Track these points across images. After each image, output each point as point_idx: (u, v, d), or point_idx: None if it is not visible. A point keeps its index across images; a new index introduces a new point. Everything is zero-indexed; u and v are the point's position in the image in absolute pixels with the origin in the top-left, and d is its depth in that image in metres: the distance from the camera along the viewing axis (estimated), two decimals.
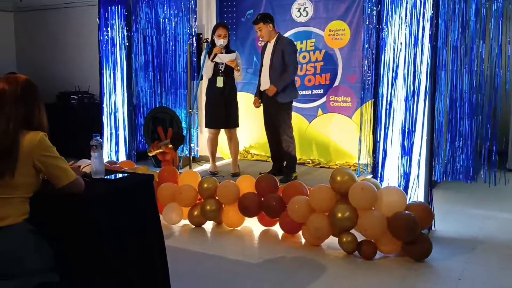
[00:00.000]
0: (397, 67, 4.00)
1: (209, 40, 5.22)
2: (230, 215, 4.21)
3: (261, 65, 5.08)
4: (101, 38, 5.82)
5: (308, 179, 4.68)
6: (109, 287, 2.21)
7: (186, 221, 4.37)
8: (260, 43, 5.72)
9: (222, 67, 5.07)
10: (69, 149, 3.23)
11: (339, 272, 3.42)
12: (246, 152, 6.22)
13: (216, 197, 4.23)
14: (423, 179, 3.96)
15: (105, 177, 2.49)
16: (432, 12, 3.80)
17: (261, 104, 5.16)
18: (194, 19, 6.03)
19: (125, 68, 5.88)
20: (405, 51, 3.95)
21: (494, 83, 4.19)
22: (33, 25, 8.42)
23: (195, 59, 5.99)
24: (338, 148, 5.70)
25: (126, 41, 5.83)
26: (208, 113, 5.27)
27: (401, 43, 3.96)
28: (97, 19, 5.83)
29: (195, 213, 4.27)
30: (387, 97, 4.07)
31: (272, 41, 4.94)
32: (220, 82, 5.06)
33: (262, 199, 4.10)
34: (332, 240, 3.77)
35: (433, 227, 4.00)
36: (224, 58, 5.02)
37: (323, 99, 5.78)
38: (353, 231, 3.68)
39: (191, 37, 6.02)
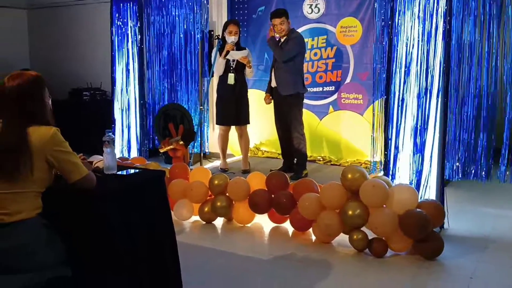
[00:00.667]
0: (409, 63, 3.97)
1: (220, 37, 5.23)
2: (241, 212, 4.22)
3: (274, 61, 5.07)
4: (113, 35, 5.85)
5: (319, 176, 4.67)
6: (120, 282, 2.23)
7: (197, 217, 4.38)
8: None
9: (233, 64, 5.07)
10: (82, 145, 3.25)
11: (349, 270, 3.41)
12: (256, 149, 6.22)
13: (227, 194, 4.24)
14: (435, 177, 3.93)
15: (117, 173, 2.51)
16: (446, 8, 3.76)
17: (272, 101, 5.15)
18: (205, 16, 6.04)
19: (137, 65, 5.91)
20: (418, 48, 3.91)
21: (509, 80, 4.15)
22: (46, 22, 8.49)
23: (206, 56, 6.00)
24: (349, 145, 5.67)
25: (138, 38, 5.86)
26: (219, 110, 5.28)
27: (413, 39, 3.93)
28: (109, 16, 5.86)
29: (206, 209, 4.29)
30: (399, 94, 4.04)
31: (285, 38, 4.94)
32: (231, 79, 5.06)
33: (273, 196, 4.10)
34: (343, 238, 3.76)
35: (445, 225, 3.97)
36: (236, 55, 5.03)
37: (334, 96, 5.76)
38: (364, 228, 3.66)
39: (202, 34, 6.03)
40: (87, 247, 2.18)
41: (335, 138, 5.78)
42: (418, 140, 3.94)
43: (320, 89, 5.84)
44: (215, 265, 3.49)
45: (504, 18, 4.17)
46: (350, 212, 3.60)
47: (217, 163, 5.70)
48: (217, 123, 5.39)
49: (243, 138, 5.26)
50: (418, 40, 3.90)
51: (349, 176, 3.71)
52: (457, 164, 4.52)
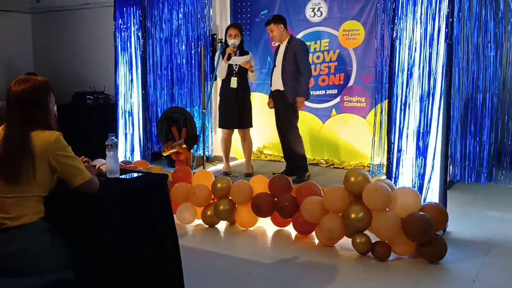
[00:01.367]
0: (412, 66, 3.96)
1: (223, 41, 5.25)
2: (243, 215, 4.22)
3: (274, 66, 5.10)
4: (117, 39, 5.88)
5: (321, 180, 4.67)
6: (123, 285, 2.24)
7: (200, 221, 4.38)
8: (274, 44, 5.72)
9: (236, 68, 5.09)
10: (84, 148, 3.26)
11: (352, 274, 3.40)
12: (259, 152, 6.22)
13: (230, 197, 4.24)
14: (438, 180, 3.92)
15: (120, 177, 2.52)
16: (448, 10, 3.76)
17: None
18: (208, 20, 6.06)
19: (140, 69, 5.94)
20: (420, 51, 3.91)
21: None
22: (49, 26, 8.53)
23: (209, 59, 6.02)
24: (352, 148, 5.67)
25: (141, 41, 5.88)
26: (222, 114, 5.30)
27: (416, 42, 3.93)
28: (113, 20, 5.88)
29: (209, 213, 4.29)
30: (401, 97, 4.04)
31: (284, 43, 4.96)
32: (234, 82, 5.08)
33: (276, 199, 4.10)
34: (346, 241, 3.75)
35: (448, 229, 3.96)
36: (238, 60, 5.05)
37: (337, 99, 5.76)
38: (366, 232, 3.65)
39: (205, 37, 6.05)
40: (90, 251, 2.19)
41: (338, 141, 5.78)
42: (421, 143, 3.94)
43: (323, 92, 5.85)
44: (218, 268, 3.49)
45: (506, 19, 4.16)
46: (353, 216, 3.59)
47: (220, 166, 5.70)
48: (219, 127, 5.41)
49: (246, 142, 5.27)
50: (421, 43, 3.90)
51: (352, 179, 3.70)
52: (461, 166, 4.51)
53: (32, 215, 2.08)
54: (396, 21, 4.03)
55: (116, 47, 5.90)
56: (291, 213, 4.01)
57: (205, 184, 4.33)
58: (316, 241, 3.92)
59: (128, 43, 5.91)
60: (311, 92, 5.80)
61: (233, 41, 5.03)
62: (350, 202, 3.70)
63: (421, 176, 3.95)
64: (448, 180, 4.12)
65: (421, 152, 3.93)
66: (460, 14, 4.29)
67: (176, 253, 2.61)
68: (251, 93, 5.39)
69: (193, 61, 6.16)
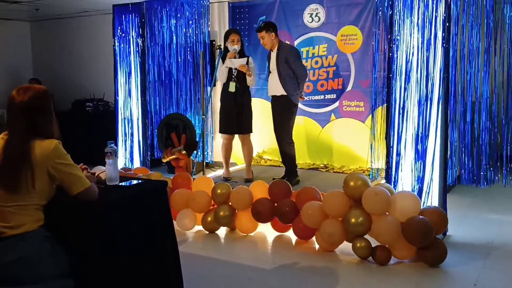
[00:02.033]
0: (409, 71, 3.98)
1: (222, 47, 5.27)
2: (244, 221, 4.22)
3: (269, 72, 5.15)
4: (116, 46, 5.90)
5: (321, 185, 4.67)
6: None
7: (200, 227, 4.38)
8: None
9: (235, 72, 5.11)
10: (84, 156, 3.28)
11: (353, 278, 3.40)
12: (259, 157, 6.23)
13: (230, 203, 4.25)
14: (437, 184, 3.93)
15: (120, 184, 2.52)
16: (444, 15, 3.78)
17: None
18: (207, 26, 6.08)
19: (139, 76, 5.95)
20: (418, 55, 3.93)
21: (510, 85, 4.16)
22: (48, 34, 8.57)
23: (208, 65, 6.03)
24: (351, 153, 5.68)
25: (140, 48, 5.91)
26: (222, 119, 5.31)
27: (413, 46, 3.95)
28: (112, 27, 5.91)
29: (209, 219, 4.29)
30: (400, 102, 4.06)
31: (275, 50, 5.00)
32: (232, 87, 5.10)
33: (276, 204, 4.10)
34: (346, 246, 3.75)
35: (448, 232, 3.96)
36: (235, 63, 5.06)
37: (336, 104, 5.77)
38: (367, 236, 3.66)
39: (204, 43, 6.07)
40: (90, 258, 2.19)
41: (337, 145, 5.78)
42: (419, 147, 3.95)
43: (322, 97, 5.86)
44: (218, 274, 3.49)
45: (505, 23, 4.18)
46: (353, 220, 3.59)
47: (220, 172, 5.71)
48: (220, 132, 5.42)
49: (246, 147, 5.28)
50: (418, 48, 3.92)
51: (352, 184, 3.71)
52: (459, 170, 4.52)
53: (31, 224, 2.08)
54: (393, 26, 4.05)
55: (115, 54, 5.92)
56: (291, 218, 4.01)
57: (205, 190, 4.34)
58: (317, 246, 3.93)
59: (127, 50, 5.94)
60: (310, 97, 5.83)
61: (235, 47, 5.06)
62: (350, 206, 3.71)
63: (421, 180, 3.96)
64: (447, 183, 4.12)
65: (420, 156, 3.94)
66: (458, 17, 4.30)
67: (176, 260, 2.61)
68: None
69: (192, 68, 6.18)
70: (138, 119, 6.02)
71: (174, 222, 3.84)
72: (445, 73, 3.83)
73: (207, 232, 4.34)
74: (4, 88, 7.62)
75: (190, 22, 6.08)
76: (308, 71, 5.65)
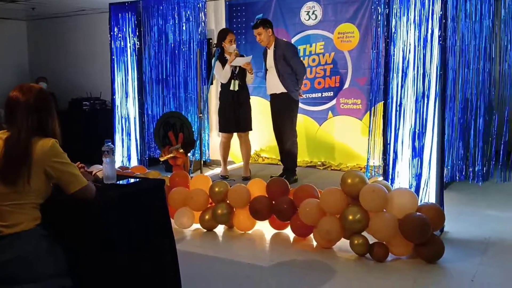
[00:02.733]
0: (406, 68, 3.99)
1: (217, 46, 5.27)
2: (241, 219, 4.23)
3: (266, 70, 5.15)
4: (112, 45, 5.89)
5: (318, 182, 4.68)
6: None
7: (198, 225, 4.39)
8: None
9: (236, 71, 5.12)
10: (81, 155, 3.27)
11: (351, 275, 3.41)
12: (257, 155, 6.24)
13: (227, 201, 4.25)
14: (434, 180, 3.94)
15: (117, 182, 2.52)
16: (441, 12, 3.79)
17: None
18: (203, 24, 6.08)
19: (136, 74, 5.95)
20: (414, 52, 3.94)
21: (505, 83, 4.18)
22: (45, 33, 8.55)
23: (205, 63, 6.03)
24: (349, 150, 5.69)
25: (136, 47, 5.90)
26: (221, 117, 5.32)
27: (410, 44, 3.96)
28: (108, 26, 5.90)
29: (207, 217, 4.30)
30: (397, 99, 4.06)
31: (271, 47, 5.00)
32: (235, 85, 5.10)
33: (273, 202, 4.11)
34: (344, 243, 3.76)
35: (445, 229, 3.97)
36: (240, 61, 5.07)
37: (333, 102, 5.78)
38: (364, 233, 3.66)
39: (200, 42, 6.06)
40: (88, 256, 2.19)
41: (335, 143, 5.80)
42: (416, 144, 3.96)
43: (319, 95, 5.87)
44: (216, 272, 3.49)
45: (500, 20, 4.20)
46: (350, 217, 3.60)
47: (217, 170, 5.71)
48: (219, 131, 5.44)
49: (244, 145, 5.29)
50: (415, 45, 3.93)
51: (349, 181, 3.72)
52: (456, 166, 4.54)
53: (28, 222, 2.08)
54: (390, 23, 4.06)
55: (112, 53, 5.91)
56: (289, 216, 4.02)
57: (202, 189, 4.34)
58: (314, 243, 3.93)
59: (124, 48, 5.93)
60: (307, 95, 5.84)
61: (234, 46, 5.09)
62: (348, 204, 3.72)
63: (418, 177, 3.97)
64: (444, 180, 4.14)
65: (417, 153, 3.95)
66: (455, 15, 4.32)
67: (174, 258, 2.61)
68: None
69: (188, 66, 6.18)
70: (135, 118, 6.02)
71: (172, 220, 3.83)
72: (441, 70, 3.83)
73: (205, 230, 4.34)
74: (0, 87, 7.60)
75: (187, 20, 6.08)
76: (305, 67, 5.67)
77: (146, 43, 6.12)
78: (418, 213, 3.54)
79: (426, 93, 3.90)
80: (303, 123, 5.90)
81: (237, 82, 5.09)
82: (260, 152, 6.27)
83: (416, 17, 3.91)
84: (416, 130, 3.95)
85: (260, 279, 3.38)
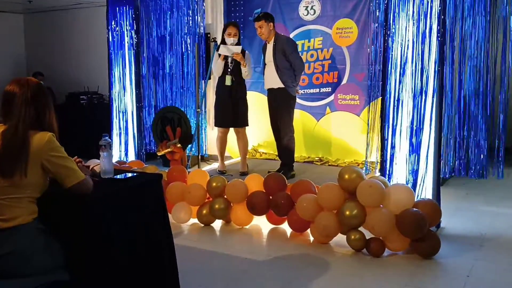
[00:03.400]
0: (404, 64, 3.99)
1: (217, 40, 5.25)
2: (239, 214, 4.23)
3: (264, 65, 5.14)
4: (110, 39, 5.87)
5: (316, 177, 4.69)
6: (118, 286, 2.24)
7: (195, 220, 4.39)
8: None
9: (231, 66, 5.09)
10: (79, 149, 3.27)
11: (347, 270, 3.42)
12: (254, 150, 6.24)
13: (225, 196, 4.26)
14: (431, 176, 3.95)
15: (114, 177, 2.52)
16: (439, 8, 3.79)
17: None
18: (201, 19, 6.06)
19: (134, 68, 5.93)
20: (413, 48, 3.94)
21: (504, 79, 4.19)
22: (42, 26, 8.51)
23: (203, 58, 6.02)
24: (346, 146, 5.69)
25: (134, 41, 5.88)
26: (217, 112, 5.30)
27: (408, 40, 3.95)
28: (106, 20, 5.87)
29: (204, 212, 4.30)
30: (394, 95, 4.07)
31: (271, 42, 4.99)
32: (228, 80, 5.08)
33: (271, 197, 4.12)
34: (341, 238, 3.78)
35: (441, 224, 3.99)
36: (225, 50, 5.01)
37: (331, 97, 5.78)
38: (361, 228, 3.68)
39: (198, 36, 6.05)
40: (85, 251, 2.19)
41: (332, 139, 5.80)
42: (414, 140, 3.96)
43: (317, 90, 5.87)
44: (214, 267, 3.50)
45: (498, 17, 4.20)
46: (347, 213, 3.61)
47: (215, 165, 5.71)
48: (215, 125, 5.42)
49: (242, 140, 5.28)
50: (413, 41, 3.93)
51: (346, 176, 3.73)
52: (453, 162, 4.55)
53: (25, 216, 2.08)
54: (388, 19, 4.05)
55: (109, 46, 5.89)
56: (286, 211, 4.03)
57: (200, 183, 4.34)
58: (311, 238, 3.95)
59: (122, 42, 5.91)
60: (305, 91, 5.84)
61: (232, 40, 5.03)
62: (345, 199, 3.73)
63: (415, 173, 3.98)
64: (440, 176, 4.15)
65: (414, 149, 3.96)
66: (454, 11, 4.31)
67: (172, 253, 2.62)
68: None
69: (186, 60, 6.16)
70: (132, 112, 6.00)
71: (169, 215, 3.85)
72: (439, 66, 3.83)
73: (203, 225, 4.35)
74: None
75: (185, 14, 6.06)
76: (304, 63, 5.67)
77: (144, 37, 6.10)
78: (414, 208, 3.55)
79: (424, 89, 3.90)
80: (301, 118, 5.90)
81: (230, 77, 5.07)
82: (258, 147, 6.27)
83: (414, 13, 3.90)
84: (414, 126, 3.96)
85: (257, 273, 3.39)
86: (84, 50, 8.00)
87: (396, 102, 4.05)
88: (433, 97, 3.89)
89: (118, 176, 2.55)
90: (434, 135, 3.90)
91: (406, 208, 3.55)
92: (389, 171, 4.12)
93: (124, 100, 5.99)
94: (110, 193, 2.36)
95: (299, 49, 5.74)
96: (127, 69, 5.95)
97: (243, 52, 5.09)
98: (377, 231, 3.59)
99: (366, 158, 5.11)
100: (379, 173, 4.32)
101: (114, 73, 5.94)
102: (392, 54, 4.05)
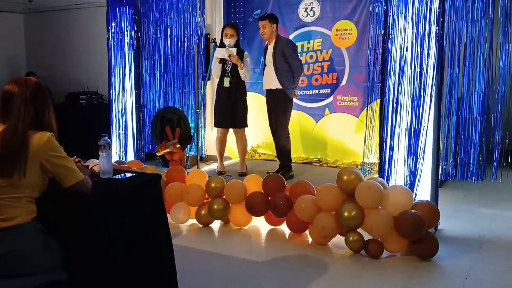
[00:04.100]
0: (403, 66, 4.00)
1: (216, 41, 5.26)
2: (238, 214, 4.24)
3: (264, 65, 5.15)
4: (110, 39, 5.87)
5: (315, 178, 4.69)
6: (116, 286, 2.25)
7: (194, 221, 4.40)
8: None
9: (229, 67, 5.10)
10: (78, 149, 3.27)
11: (345, 271, 3.43)
12: (253, 151, 6.24)
13: (224, 197, 4.26)
14: (430, 178, 3.95)
15: (113, 177, 2.52)
16: (439, 10, 3.80)
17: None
18: (201, 20, 6.07)
19: (134, 69, 5.93)
20: (412, 50, 3.95)
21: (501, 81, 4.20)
22: (42, 26, 8.51)
23: (202, 59, 6.03)
24: (345, 147, 5.70)
25: (134, 41, 5.88)
26: (216, 113, 5.32)
27: (407, 42, 3.96)
28: (106, 21, 5.88)
29: (203, 212, 4.31)
30: (393, 96, 4.07)
31: (272, 43, 5.01)
32: (226, 82, 5.10)
33: (269, 198, 4.12)
34: (339, 239, 3.78)
35: (440, 226, 3.99)
36: (220, 53, 5.02)
37: (330, 99, 5.79)
38: (359, 230, 3.68)
39: (198, 37, 6.05)
40: (83, 251, 2.19)
41: (331, 140, 5.81)
42: (412, 142, 3.97)
43: (316, 91, 5.88)
44: (212, 267, 3.51)
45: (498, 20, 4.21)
46: (346, 214, 3.62)
47: (214, 166, 5.72)
48: (215, 126, 5.44)
49: (241, 141, 5.29)
50: (412, 43, 3.93)
51: (345, 178, 3.73)
52: (451, 164, 4.56)
53: (24, 216, 2.08)
54: (388, 21, 4.06)
55: (109, 47, 5.89)
56: (285, 212, 4.03)
57: (199, 184, 4.35)
58: (310, 239, 3.95)
59: (121, 43, 5.91)
60: (304, 92, 5.85)
61: (229, 41, 5.04)
62: (343, 200, 3.73)
63: (413, 174, 3.98)
64: (439, 178, 4.16)
65: (413, 150, 3.96)
66: (452, 13, 4.33)
67: (170, 253, 2.62)
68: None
69: (186, 61, 6.17)
70: (132, 112, 6.00)
71: (168, 215, 3.85)
72: (438, 68, 3.84)
73: (201, 226, 4.35)
74: None
75: (185, 15, 6.06)
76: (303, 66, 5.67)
77: (144, 38, 6.11)
78: (413, 210, 3.56)
79: (422, 91, 3.91)
80: (300, 119, 5.91)
81: (228, 79, 5.09)
82: (257, 148, 6.28)
83: (413, 15, 3.91)
84: (412, 127, 3.97)
85: (255, 274, 3.39)
86: (84, 50, 8.00)
87: (395, 104, 4.06)
88: (431, 98, 3.89)
89: (117, 176, 2.55)
90: (432, 136, 3.91)
91: (405, 209, 3.55)
92: (387, 172, 4.13)
93: (124, 100, 5.99)
94: (109, 193, 2.36)
95: (299, 50, 5.76)
96: (127, 69, 5.94)
97: (242, 52, 5.10)
98: (375, 233, 3.59)
99: (363, 159, 5.12)
100: (377, 175, 4.32)
101: (114, 73, 5.94)
102: (391, 56, 4.06)
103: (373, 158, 4.98)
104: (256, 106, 5.87)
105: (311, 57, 5.85)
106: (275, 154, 5.50)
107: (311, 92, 5.88)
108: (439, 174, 4.17)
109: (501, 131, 4.25)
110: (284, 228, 4.18)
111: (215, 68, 5.13)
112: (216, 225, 4.38)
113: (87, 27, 7.86)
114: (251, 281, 3.30)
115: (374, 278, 3.30)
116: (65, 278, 2.15)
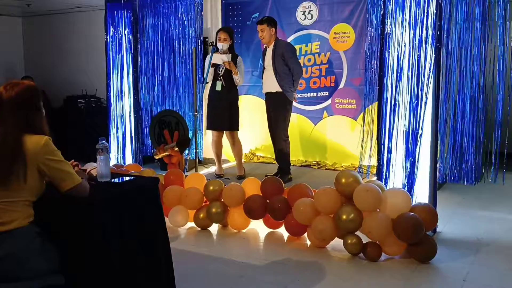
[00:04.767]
0: (401, 69, 4.01)
1: (214, 44, 5.27)
2: (236, 218, 4.23)
3: (263, 69, 5.16)
4: (108, 42, 5.88)
5: (313, 181, 4.70)
6: None
7: (192, 224, 4.39)
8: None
9: (221, 71, 5.12)
10: (76, 152, 3.27)
11: (344, 274, 3.43)
12: (252, 154, 6.24)
13: (222, 200, 4.26)
14: (428, 181, 3.96)
15: (111, 180, 2.52)
16: (435, 13, 3.81)
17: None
18: (199, 23, 6.08)
19: (132, 72, 5.94)
20: (409, 53, 3.96)
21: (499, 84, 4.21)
22: (40, 29, 8.51)
23: (200, 62, 6.03)
24: (343, 150, 5.71)
25: (132, 45, 5.89)
26: (208, 116, 5.35)
27: (405, 45, 3.97)
28: (104, 24, 5.88)
29: (201, 215, 4.30)
30: (391, 99, 4.08)
31: (271, 46, 5.02)
32: (218, 86, 5.13)
33: (268, 201, 4.12)
34: (337, 242, 3.78)
35: (438, 229, 3.99)
36: (217, 59, 5.05)
37: (328, 102, 5.80)
38: (358, 233, 3.68)
39: (196, 40, 6.06)
40: (81, 255, 2.19)
41: (329, 143, 5.81)
42: (410, 144, 3.97)
43: (314, 94, 5.88)
44: (210, 271, 3.50)
45: (492, 22, 4.23)
46: (344, 217, 3.62)
47: (212, 169, 5.71)
48: (207, 128, 5.46)
49: (235, 145, 5.30)
50: (409, 46, 3.94)
51: (343, 181, 3.73)
52: (449, 167, 4.57)
53: (21, 220, 2.08)
54: (385, 24, 4.07)
55: (107, 50, 5.90)
56: (283, 215, 4.03)
57: (197, 187, 4.34)
58: (308, 242, 3.95)
59: (120, 46, 5.91)
60: (303, 95, 5.86)
61: (221, 45, 5.06)
62: (341, 203, 3.73)
63: (411, 177, 3.98)
64: (437, 180, 4.16)
65: (411, 153, 3.97)
66: (449, 16, 4.34)
67: (168, 257, 2.61)
68: (243, 95, 5.41)
69: (184, 64, 6.17)
70: (130, 116, 6.00)
71: (166, 218, 3.84)
72: (436, 72, 3.85)
73: (199, 229, 4.35)
74: None
75: (183, 19, 6.07)
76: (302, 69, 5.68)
77: (142, 41, 6.11)
78: (411, 213, 3.56)
79: (420, 94, 3.91)
80: (298, 122, 5.92)
81: (220, 83, 5.12)
82: (255, 151, 6.28)
83: (411, 18, 3.92)
84: (410, 130, 3.97)
85: (254, 277, 3.39)
86: (82, 53, 7.99)
87: (392, 106, 4.07)
88: (427, 101, 3.90)
89: (115, 180, 2.55)
90: (430, 139, 3.91)
91: (403, 212, 3.56)
92: (385, 175, 4.13)
93: (122, 103, 6.00)
94: (106, 196, 2.36)
95: (297, 53, 5.76)
96: (125, 73, 5.95)
97: (235, 57, 5.12)
98: (373, 236, 3.59)
99: (360, 162, 5.13)
100: (376, 177, 4.32)
101: (112, 76, 5.95)
102: (388, 59, 4.07)
103: (370, 160, 4.99)
104: (254, 109, 5.87)
105: (309, 60, 5.86)
106: (274, 157, 5.51)
107: (309, 95, 5.88)
108: (437, 176, 4.18)
109: (499, 134, 4.25)
110: (282, 231, 4.18)
111: (208, 72, 5.15)
112: (214, 228, 4.37)
113: (85, 31, 7.86)
114: (250, 284, 3.29)
115: (372, 281, 3.29)
116: (63, 282, 2.15)
